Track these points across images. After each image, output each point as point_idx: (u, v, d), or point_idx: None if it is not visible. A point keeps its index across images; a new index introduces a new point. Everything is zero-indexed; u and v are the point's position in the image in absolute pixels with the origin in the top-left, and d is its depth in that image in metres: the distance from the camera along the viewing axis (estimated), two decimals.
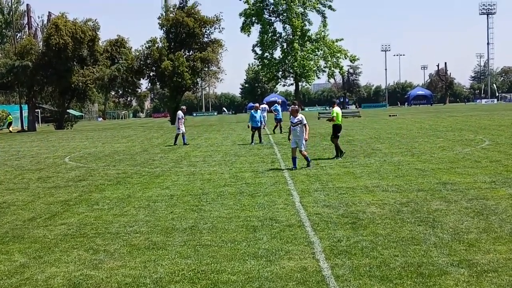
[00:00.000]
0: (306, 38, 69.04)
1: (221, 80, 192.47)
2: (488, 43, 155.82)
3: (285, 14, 68.65)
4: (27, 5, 73.39)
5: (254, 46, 70.63)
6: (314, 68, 69.38)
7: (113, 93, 75.67)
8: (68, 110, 73.29)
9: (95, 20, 62.56)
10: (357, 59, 72.39)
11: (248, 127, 26.34)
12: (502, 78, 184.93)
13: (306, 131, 15.94)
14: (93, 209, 11.16)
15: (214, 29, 61.03)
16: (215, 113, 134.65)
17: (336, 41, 69.46)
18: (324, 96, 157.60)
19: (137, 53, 61.34)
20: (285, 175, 14.66)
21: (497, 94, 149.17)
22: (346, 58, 70.47)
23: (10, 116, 63.70)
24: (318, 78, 75.96)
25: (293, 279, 6.32)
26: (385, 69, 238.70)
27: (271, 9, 70.46)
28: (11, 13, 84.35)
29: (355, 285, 6.05)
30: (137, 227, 9.25)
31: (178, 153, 23.04)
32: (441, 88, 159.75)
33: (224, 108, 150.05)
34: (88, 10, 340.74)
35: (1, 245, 8.53)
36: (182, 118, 27.53)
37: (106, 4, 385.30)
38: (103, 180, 15.52)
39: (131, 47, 64.71)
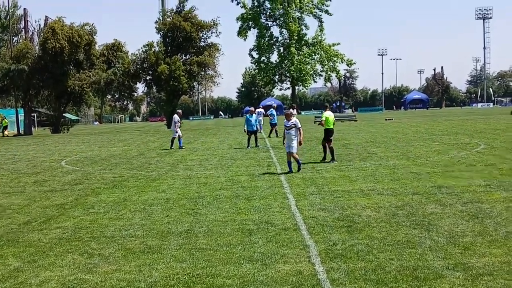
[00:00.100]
0: (303, 42, 69.17)
1: (217, 84, 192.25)
2: (484, 48, 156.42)
3: (282, 19, 68.78)
4: (24, 9, 73.39)
5: (251, 50, 70.72)
6: (311, 72, 69.46)
7: (109, 97, 75.50)
8: (64, 114, 73.13)
9: (92, 24, 62.59)
10: (354, 63, 72.60)
11: (245, 131, 26.34)
12: (498, 82, 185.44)
13: (300, 135, 15.96)
14: (88, 212, 11.13)
15: (211, 33, 61.14)
16: (212, 117, 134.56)
17: (333, 45, 69.60)
18: (320, 100, 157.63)
19: (134, 57, 61.30)
20: (281, 179, 14.66)
21: (493, 98, 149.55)
22: (342, 62, 70.65)
23: (5, 120, 63.50)
24: (315, 82, 76.16)
25: (289, 283, 6.31)
26: (382, 73, 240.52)
27: (268, 13, 70.58)
28: (8, 17, 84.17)
29: None
30: (132, 231, 9.23)
31: (174, 156, 23.03)
32: (438, 92, 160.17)
33: (221, 112, 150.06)
34: (86, 14, 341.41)
35: None
36: (178, 121, 27.53)
37: (104, 8, 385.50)
38: (99, 183, 15.49)
39: (128, 51, 64.69)
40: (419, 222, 8.92)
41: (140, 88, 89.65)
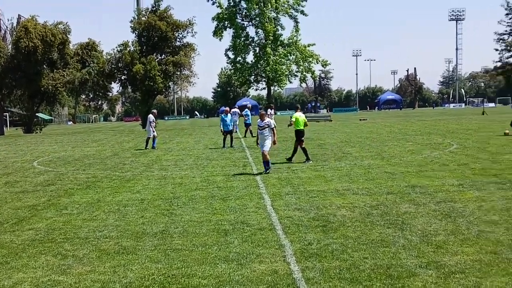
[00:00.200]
0: (279, 42, 69.22)
1: (193, 84, 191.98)
2: (456, 49, 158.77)
3: (257, 19, 68.74)
4: None
5: (226, 50, 70.44)
6: (286, 73, 69.56)
7: (83, 96, 74.61)
8: (37, 114, 72.08)
9: (66, 23, 61.85)
10: (329, 64, 72.74)
11: (221, 131, 26.28)
12: (470, 83, 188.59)
13: (274, 135, 16.00)
14: (61, 213, 11.00)
15: (187, 33, 60.85)
16: (187, 117, 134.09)
17: (308, 46, 69.82)
18: (296, 100, 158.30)
19: (109, 57, 60.66)
20: (256, 179, 14.68)
21: (465, 99, 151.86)
22: (317, 63, 70.80)
23: None
24: (290, 82, 76.36)
25: (264, 282, 6.33)
26: (356, 74, 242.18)
27: (243, 13, 70.46)
28: None
29: None
30: (106, 232, 9.14)
31: (149, 157, 22.88)
32: (411, 93, 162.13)
33: (196, 112, 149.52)
34: (60, 13, 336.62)
35: None
36: (153, 121, 27.38)
37: (78, 7, 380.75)
38: (73, 184, 15.31)
39: (103, 51, 64.06)
40: (393, 221, 9.02)
41: (115, 87, 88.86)
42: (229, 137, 26.12)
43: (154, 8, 60.95)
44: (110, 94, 67.97)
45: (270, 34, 67.20)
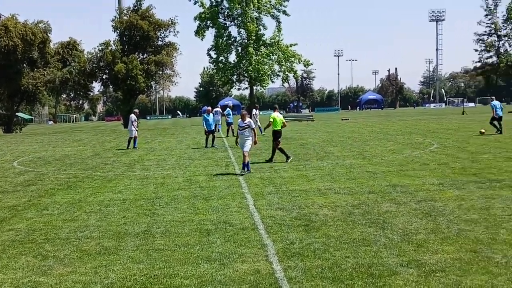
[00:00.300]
0: (261, 42, 69.22)
1: (175, 84, 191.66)
2: (437, 49, 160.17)
3: (240, 19, 68.66)
4: None
5: (209, 50, 70.17)
6: (269, 72, 69.59)
7: (64, 96, 74.02)
8: (17, 113, 71.27)
9: (47, 22, 61.32)
10: (311, 64, 72.98)
11: (205, 131, 26.16)
12: (450, 83, 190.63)
13: (254, 135, 15.99)
14: (42, 214, 10.89)
15: (169, 32, 60.68)
16: (170, 117, 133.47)
17: (290, 46, 69.96)
18: (278, 100, 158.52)
19: (90, 56, 60.20)
20: (239, 178, 14.68)
21: (445, 99, 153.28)
22: (300, 63, 70.95)
23: None
24: (273, 82, 76.29)
25: (247, 282, 6.34)
26: (338, 73, 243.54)
27: (226, 13, 70.32)
28: None
29: (307, 287, 6.12)
30: (88, 232, 9.08)
31: (131, 156, 22.75)
32: (392, 93, 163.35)
33: (179, 112, 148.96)
34: (40, 12, 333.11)
35: None
36: (135, 121, 27.24)
37: (59, 6, 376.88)
38: (53, 184, 15.17)
39: (84, 50, 63.64)
40: (375, 221, 9.09)
41: (96, 87, 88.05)
42: (211, 137, 26.08)
43: (136, 7, 60.68)
44: (91, 94, 67.52)
45: (252, 34, 67.18)
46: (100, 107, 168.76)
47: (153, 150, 25.74)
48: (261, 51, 68.30)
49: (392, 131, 33.40)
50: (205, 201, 11.58)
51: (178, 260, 7.28)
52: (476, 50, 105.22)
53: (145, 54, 60.83)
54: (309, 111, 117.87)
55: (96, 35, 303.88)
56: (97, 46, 59.99)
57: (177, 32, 61.26)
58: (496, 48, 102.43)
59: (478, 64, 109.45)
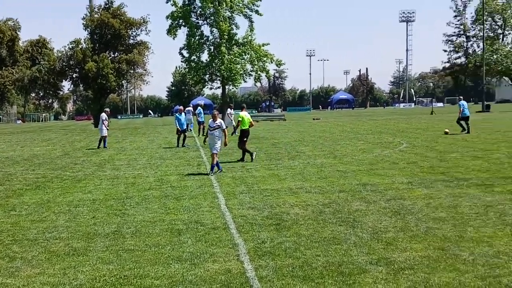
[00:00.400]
0: (233, 42, 69.08)
1: (147, 83, 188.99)
2: (407, 50, 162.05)
3: (212, 18, 68.38)
4: None
5: (181, 49, 69.76)
6: (241, 72, 69.44)
7: (33, 94, 72.89)
8: None
9: (16, 19, 60.34)
10: (283, 63, 73.11)
11: (178, 130, 25.95)
12: (419, 83, 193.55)
13: (225, 136, 15.91)
14: (10, 215, 10.69)
15: (141, 31, 60.30)
16: (141, 116, 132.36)
17: (263, 46, 70.06)
18: (250, 100, 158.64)
19: (60, 54, 59.37)
20: (211, 178, 14.65)
21: (414, 99, 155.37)
22: (272, 63, 71.00)
23: None
24: (245, 81, 76.24)
25: (218, 282, 6.33)
26: (310, 73, 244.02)
27: (198, 12, 69.95)
28: None
29: (278, 286, 6.14)
30: (56, 233, 8.95)
31: (101, 156, 22.50)
32: (362, 93, 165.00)
33: (150, 111, 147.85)
34: (9, 9, 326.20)
35: None
36: (106, 120, 26.94)
37: (28, 3, 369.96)
38: (21, 184, 14.90)
39: (54, 48, 62.80)
40: (345, 219, 9.18)
41: (66, 86, 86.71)
42: (182, 136, 25.95)
43: (107, 5, 60.08)
44: (61, 93, 66.64)
45: (225, 33, 67.02)
46: (70, 106, 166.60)
47: (124, 150, 25.50)
48: (233, 51, 68.21)
49: (362, 131, 33.74)
50: (177, 200, 11.53)
51: (149, 261, 7.23)
52: (445, 51, 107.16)
53: (117, 53, 60.31)
54: (281, 111, 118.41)
55: (67, 33, 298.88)
56: (68, 45, 59.34)
57: (149, 31, 60.98)
58: (465, 48, 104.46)
59: (447, 65, 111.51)
